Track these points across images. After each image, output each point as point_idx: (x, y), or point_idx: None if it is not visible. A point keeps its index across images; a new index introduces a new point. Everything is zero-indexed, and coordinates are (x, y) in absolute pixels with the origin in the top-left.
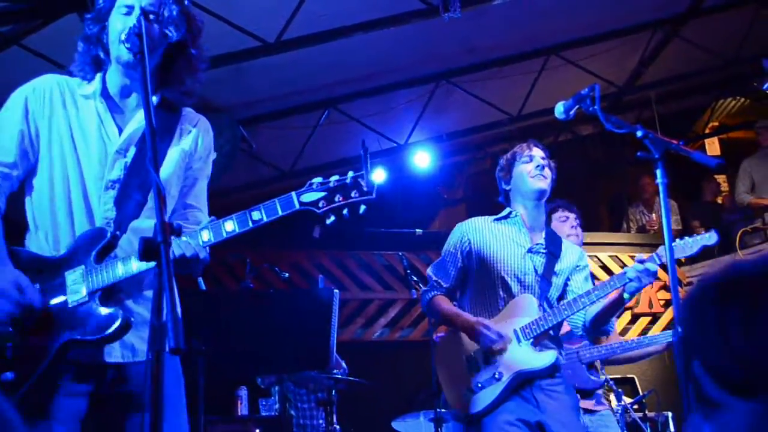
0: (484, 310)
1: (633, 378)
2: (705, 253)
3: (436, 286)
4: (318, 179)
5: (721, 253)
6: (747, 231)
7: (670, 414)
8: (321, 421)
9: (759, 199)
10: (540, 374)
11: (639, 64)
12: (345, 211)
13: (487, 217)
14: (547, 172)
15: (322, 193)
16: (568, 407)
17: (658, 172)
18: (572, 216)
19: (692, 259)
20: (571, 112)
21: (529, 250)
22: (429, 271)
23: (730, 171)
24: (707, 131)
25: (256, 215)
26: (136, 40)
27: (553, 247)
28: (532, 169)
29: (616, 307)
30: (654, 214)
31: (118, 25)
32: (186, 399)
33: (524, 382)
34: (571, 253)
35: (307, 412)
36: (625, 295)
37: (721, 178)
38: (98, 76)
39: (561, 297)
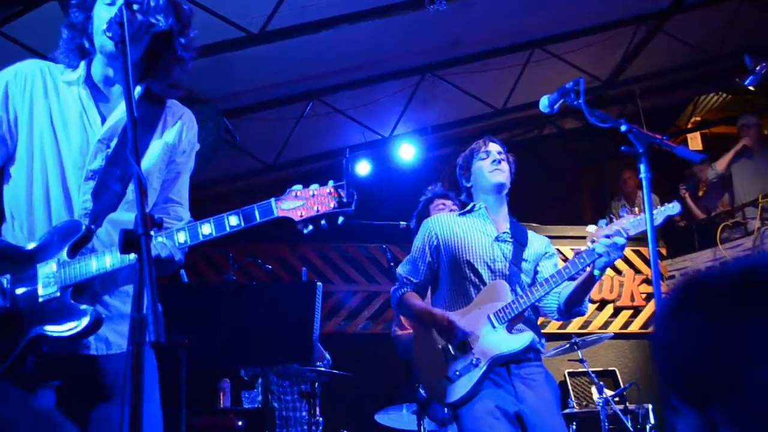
0: (458, 300)
1: (614, 371)
2: (686, 247)
3: (407, 282)
4: (298, 187)
5: (702, 247)
6: (728, 225)
7: (650, 406)
8: (304, 413)
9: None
10: (517, 356)
11: (623, 58)
12: (323, 222)
13: (451, 212)
14: (505, 165)
15: (301, 202)
16: (547, 399)
17: (642, 167)
18: (449, 203)
19: (674, 253)
20: (556, 106)
21: (496, 239)
22: (399, 269)
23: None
24: (690, 126)
25: (233, 220)
26: (118, 29)
27: (519, 236)
28: (489, 164)
29: (588, 285)
30: (636, 208)
31: (103, 14)
32: (168, 391)
33: (503, 370)
34: (537, 241)
35: (290, 404)
36: (596, 272)
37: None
38: (83, 63)
39: (532, 284)
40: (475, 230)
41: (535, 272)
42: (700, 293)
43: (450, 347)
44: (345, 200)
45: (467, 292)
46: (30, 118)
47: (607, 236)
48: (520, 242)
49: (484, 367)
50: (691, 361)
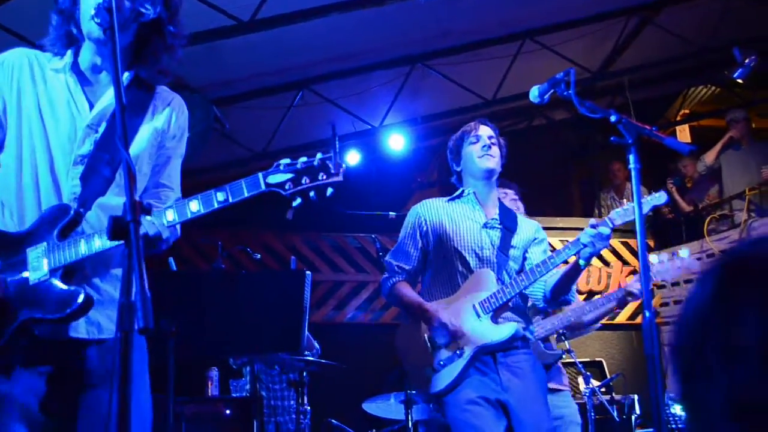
0: (444, 288)
1: (601, 361)
2: (674, 239)
3: (398, 271)
4: (285, 160)
5: (689, 239)
6: (715, 217)
7: (636, 397)
8: (292, 402)
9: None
10: (501, 347)
11: (613, 50)
12: (312, 194)
13: (440, 198)
14: (495, 150)
15: (290, 175)
16: (534, 387)
17: (631, 157)
18: (510, 192)
19: (661, 245)
20: (546, 96)
21: (485, 225)
22: (388, 257)
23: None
24: (678, 118)
25: (221, 196)
26: (106, 15)
27: (508, 222)
28: (479, 149)
29: (574, 274)
30: (625, 200)
31: (90, 0)
32: (156, 379)
33: (488, 358)
34: (526, 227)
35: (278, 393)
36: (581, 262)
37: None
38: (69, 51)
39: (520, 270)
40: (464, 217)
41: (524, 258)
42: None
43: (437, 336)
44: (333, 171)
45: (453, 279)
46: (18, 106)
47: (593, 226)
48: (508, 228)
49: (468, 357)
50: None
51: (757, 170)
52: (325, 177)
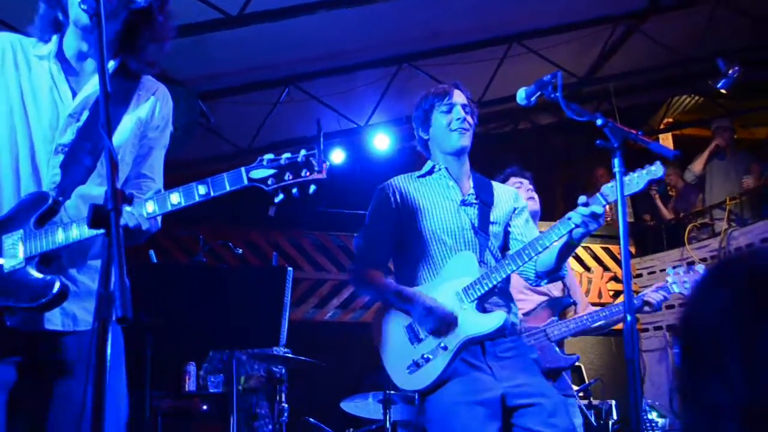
0: (422, 274)
1: (580, 366)
2: (655, 246)
3: (364, 258)
4: (269, 156)
5: (670, 247)
6: (696, 226)
7: (613, 402)
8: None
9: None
10: (489, 337)
11: (599, 56)
12: (294, 190)
13: (410, 174)
14: (470, 121)
15: (272, 171)
16: (524, 366)
17: (616, 161)
18: (526, 182)
19: (643, 252)
20: (533, 99)
21: (462, 203)
22: (354, 243)
23: (683, 166)
24: (662, 126)
25: (202, 189)
26: (93, 2)
27: (484, 195)
28: (453, 121)
29: (566, 252)
30: (608, 205)
31: None
32: (133, 373)
33: (477, 348)
34: (504, 197)
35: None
36: (573, 242)
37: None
38: (54, 38)
39: (504, 247)
40: (438, 195)
41: (507, 233)
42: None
43: (418, 328)
44: (317, 168)
45: (430, 265)
46: (0, 91)
47: (584, 204)
48: (485, 203)
49: (454, 350)
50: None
51: (738, 180)
52: (308, 173)
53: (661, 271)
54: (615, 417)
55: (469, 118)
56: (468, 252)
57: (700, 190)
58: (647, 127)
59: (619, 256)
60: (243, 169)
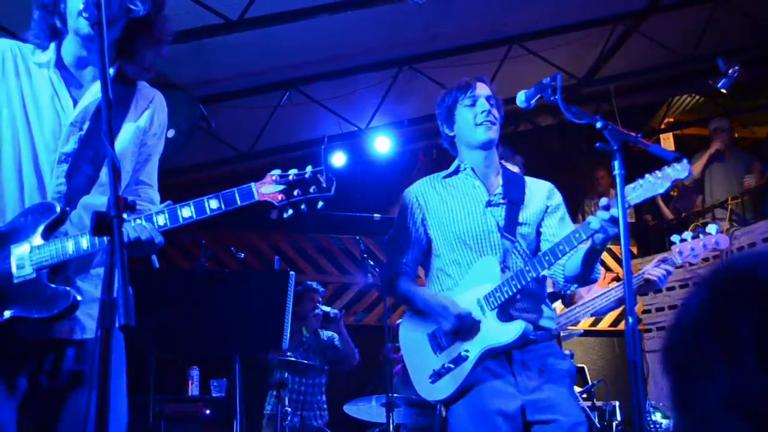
0: (447, 280)
1: (583, 368)
2: (657, 246)
3: (391, 263)
4: (277, 171)
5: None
6: (698, 225)
7: (617, 403)
8: (321, 398)
9: (697, 164)
10: (509, 348)
11: (599, 57)
12: (303, 206)
13: (435, 175)
14: (495, 114)
15: (282, 187)
16: (553, 377)
17: (616, 164)
18: (516, 168)
19: (644, 252)
20: (533, 101)
21: (488, 204)
22: (384, 248)
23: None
24: (663, 126)
25: (214, 203)
26: (95, 10)
27: (513, 194)
28: (477, 115)
29: (592, 257)
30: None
31: None
32: (136, 378)
33: (502, 355)
34: (537, 194)
35: (306, 388)
36: (597, 247)
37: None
38: (52, 45)
39: (536, 249)
40: (463, 197)
41: (538, 233)
42: (739, 285)
43: (440, 334)
44: (324, 185)
45: (455, 270)
46: (1, 97)
47: (604, 207)
48: (514, 202)
49: (474, 360)
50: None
51: (739, 180)
52: (316, 190)
53: None
54: (619, 418)
55: (494, 111)
56: (491, 257)
57: (699, 191)
58: (648, 127)
59: (620, 256)
60: (253, 184)
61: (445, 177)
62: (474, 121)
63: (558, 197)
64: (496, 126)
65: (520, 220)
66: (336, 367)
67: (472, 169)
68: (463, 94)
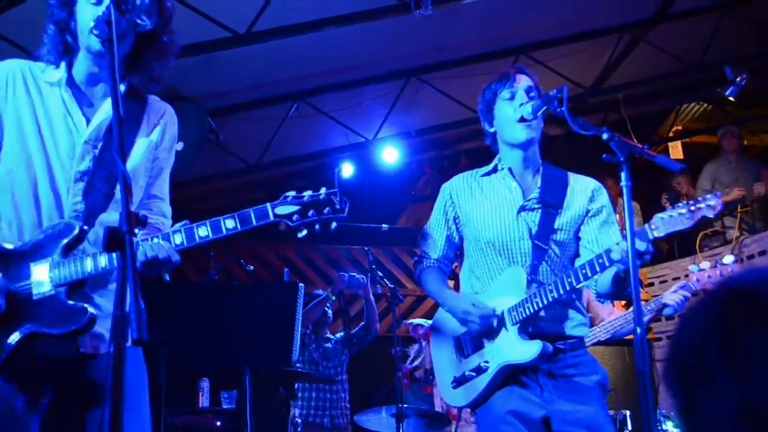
0: (476, 284)
1: None
2: (667, 254)
3: (424, 257)
4: (292, 193)
5: (682, 255)
6: (707, 234)
7: (628, 412)
8: (344, 395)
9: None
10: (527, 366)
11: (606, 66)
12: (317, 226)
13: (475, 171)
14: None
15: (296, 207)
16: (580, 388)
17: (623, 175)
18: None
19: (653, 261)
20: (539, 113)
21: (521, 209)
22: (418, 239)
23: (692, 174)
24: (671, 135)
25: (230, 223)
26: (105, 27)
27: (551, 197)
28: (517, 109)
29: (621, 281)
30: (617, 216)
31: (88, 14)
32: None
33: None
34: (578, 196)
35: (333, 386)
36: (621, 274)
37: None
38: (63, 64)
39: (574, 256)
40: (498, 199)
41: (577, 238)
42: (747, 303)
43: (466, 339)
44: (338, 207)
45: (485, 275)
46: (13, 118)
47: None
48: (551, 206)
49: (493, 374)
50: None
51: (749, 187)
52: (330, 212)
53: (673, 279)
54: (630, 427)
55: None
56: (518, 268)
57: None
58: (656, 135)
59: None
60: (269, 205)
61: (483, 175)
62: (513, 116)
63: (603, 199)
64: (534, 125)
65: (556, 226)
66: (362, 342)
67: (510, 169)
68: (502, 87)
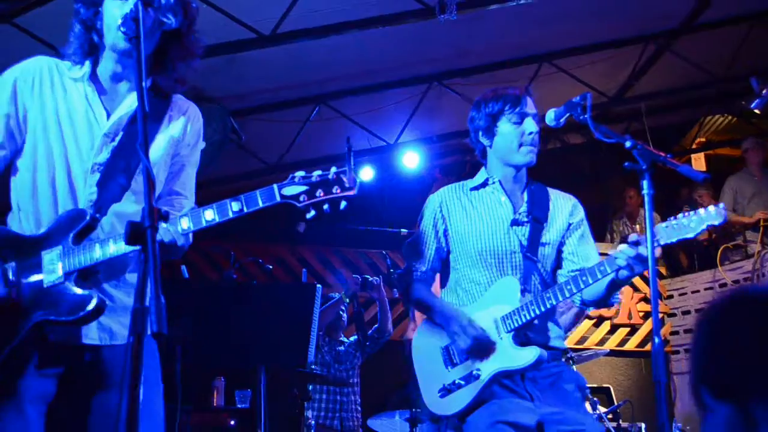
0: (465, 296)
1: (609, 387)
2: (687, 267)
3: (412, 269)
4: (300, 173)
5: (702, 268)
6: (728, 247)
7: (643, 425)
8: (354, 398)
9: (738, 217)
10: (522, 372)
11: (630, 76)
12: (326, 207)
13: (462, 183)
14: (537, 136)
15: (304, 187)
16: (563, 395)
17: (645, 183)
18: None
19: (673, 273)
20: (562, 120)
21: (513, 222)
22: (404, 250)
23: (715, 187)
24: (694, 146)
25: (236, 205)
26: (133, 24)
27: (538, 211)
28: (524, 135)
29: (614, 288)
30: (638, 226)
31: (115, 11)
32: (163, 387)
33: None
34: (560, 211)
35: (343, 389)
36: (619, 281)
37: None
38: (88, 61)
39: (556, 268)
40: (488, 212)
41: (559, 252)
42: (751, 304)
43: (454, 348)
44: (348, 185)
45: (474, 287)
46: (37, 113)
47: (633, 244)
48: (538, 220)
49: (485, 381)
50: (739, 360)
51: None
52: (339, 190)
53: (692, 292)
54: None
55: (536, 135)
56: (511, 278)
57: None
58: (679, 147)
59: (648, 276)
60: (275, 186)
61: (472, 189)
62: (519, 140)
63: (580, 213)
64: (536, 149)
65: (543, 240)
66: (375, 345)
67: (500, 182)
68: (511, 109)
